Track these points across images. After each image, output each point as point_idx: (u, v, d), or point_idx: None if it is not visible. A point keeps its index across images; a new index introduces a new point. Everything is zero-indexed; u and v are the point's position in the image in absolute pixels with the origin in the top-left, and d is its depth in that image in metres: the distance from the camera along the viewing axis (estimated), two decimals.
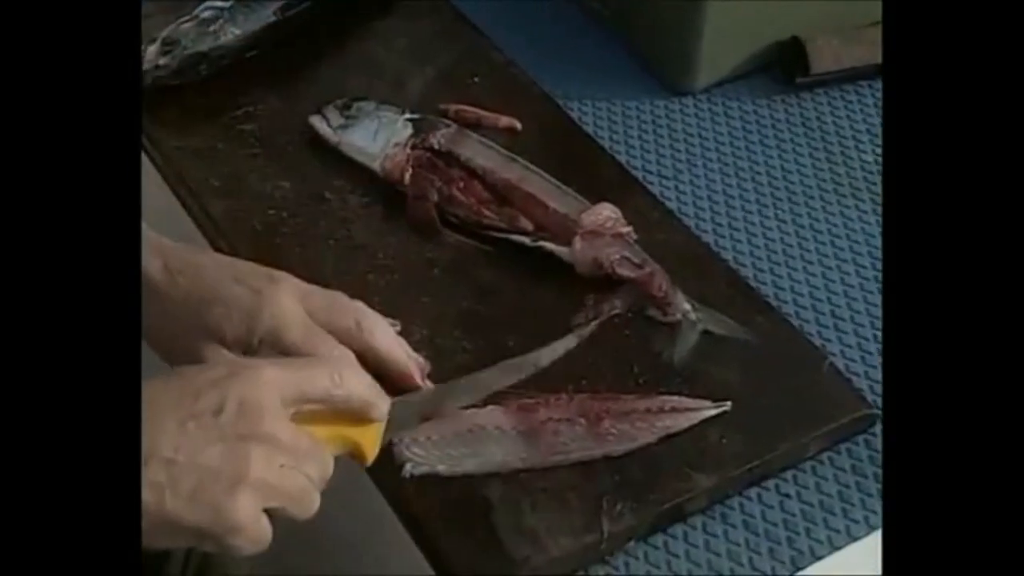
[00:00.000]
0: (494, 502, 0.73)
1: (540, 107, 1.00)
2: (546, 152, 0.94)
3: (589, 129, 1.00)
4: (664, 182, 0.96)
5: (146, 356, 0.70)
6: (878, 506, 0.75)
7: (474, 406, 0.76)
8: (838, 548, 0.74)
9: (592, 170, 0.94)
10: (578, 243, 0.85)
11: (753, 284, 0.88)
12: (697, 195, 0.95)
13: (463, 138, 0.93)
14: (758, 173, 0.97)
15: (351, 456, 0.70)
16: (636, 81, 1.05)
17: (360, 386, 0.69)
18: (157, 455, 0.61)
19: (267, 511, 0.64)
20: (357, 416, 0.69)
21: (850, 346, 0.84)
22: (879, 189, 0.95)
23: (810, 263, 0.90)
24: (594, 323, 0.81)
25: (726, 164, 0.98)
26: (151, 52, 0.97)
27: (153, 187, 0.93)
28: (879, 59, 1.02)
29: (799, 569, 0.73)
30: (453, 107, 0.98)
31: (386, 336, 0.77)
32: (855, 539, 0.74)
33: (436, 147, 0.92)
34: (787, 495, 0.76)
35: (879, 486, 0.76)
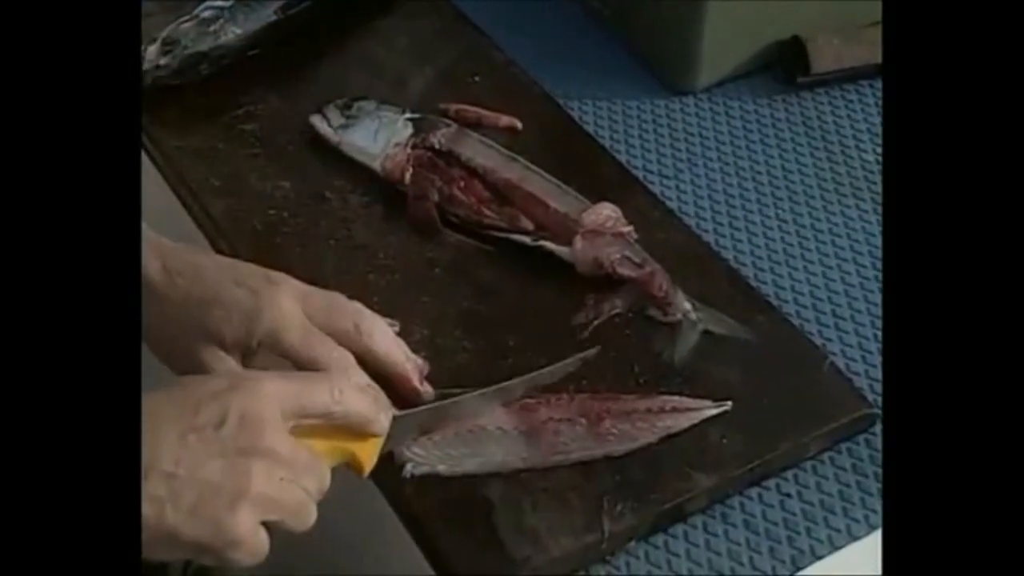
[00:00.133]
0: (495, 502, 0.73)
1: (540, 107, 1.00)
2: (546, 151, 0.94)
3: (589, 129, 1.00)
4: (664, 181, 0.96)
5: (145, 358, 0.70)
6: (878, 506, 0.75)
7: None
8: (838, 548, 0.74)
9: (592, 169, 0.94)
10: (578, 243, 0.85)
11: (753, 283, 0.87)
12: (698, 194, 0.95)
13: (463, 138, 0.93)
14: (759, 173, 0.97)
15: (348, 467, 0.70)
16: (636, 81, 1.05)
17: (360, 403, 0.69)
18: (157, 468, 0.61)
19: (265, 524, 0.64)
20: (356, 430, 0.69)
21: (850, 345, 0.84)
22: (879, 189, 0.95)
23: (811, 262, 0.90)
24: (591, 351, 0.80)
25: (727, 164, 0.98)
26: (151, 52, 0.97)
27: (153, 187, 0.93)
28: (879, 59, 1.02)
29: (799, 569, 0.73)
30: (453, 107, 0.98)
31: (384, 338, 0.77)
32: (855, 539, 0.74)
33: (437, 147, 0.92)
34: (788, 495, 0.76)
35: (879, 486, 0.76)
